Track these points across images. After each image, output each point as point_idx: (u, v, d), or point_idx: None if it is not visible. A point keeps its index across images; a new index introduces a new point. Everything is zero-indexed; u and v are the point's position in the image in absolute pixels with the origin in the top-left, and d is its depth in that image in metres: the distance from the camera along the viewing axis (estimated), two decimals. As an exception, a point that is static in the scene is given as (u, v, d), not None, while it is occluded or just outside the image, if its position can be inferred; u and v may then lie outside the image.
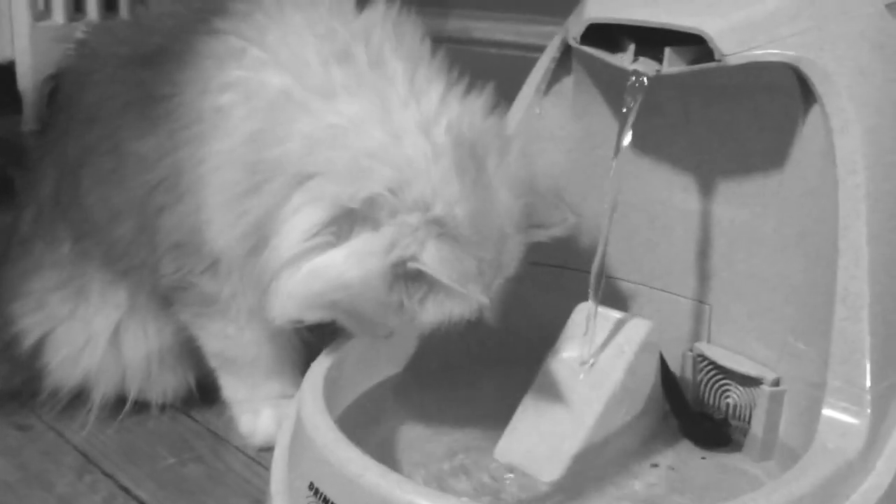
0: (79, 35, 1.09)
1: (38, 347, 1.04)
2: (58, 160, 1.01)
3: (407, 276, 0.78)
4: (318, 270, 0.79)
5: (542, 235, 0.86)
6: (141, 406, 1.05)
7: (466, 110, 0.85)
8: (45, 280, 1.03)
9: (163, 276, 0.94)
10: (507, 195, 0.83)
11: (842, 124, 0.79)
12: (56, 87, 1.91)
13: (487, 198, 0.82)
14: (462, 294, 0.77)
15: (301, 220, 0.80)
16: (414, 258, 0.77)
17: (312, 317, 0.85)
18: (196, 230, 0.89)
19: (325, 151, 0.81)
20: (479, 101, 0.87)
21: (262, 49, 0.88)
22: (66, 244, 1.01)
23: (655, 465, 0.89)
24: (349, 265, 0.78)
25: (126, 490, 0.93)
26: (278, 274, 0.81)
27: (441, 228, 0.78)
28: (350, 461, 0.72)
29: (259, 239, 0.84)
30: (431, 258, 0.77)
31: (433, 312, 0.80)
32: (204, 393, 1.06)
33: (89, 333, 1.01)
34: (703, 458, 0.91)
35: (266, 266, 0.82)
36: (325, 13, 0.89)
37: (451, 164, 0.80)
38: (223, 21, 0.91)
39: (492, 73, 0.90)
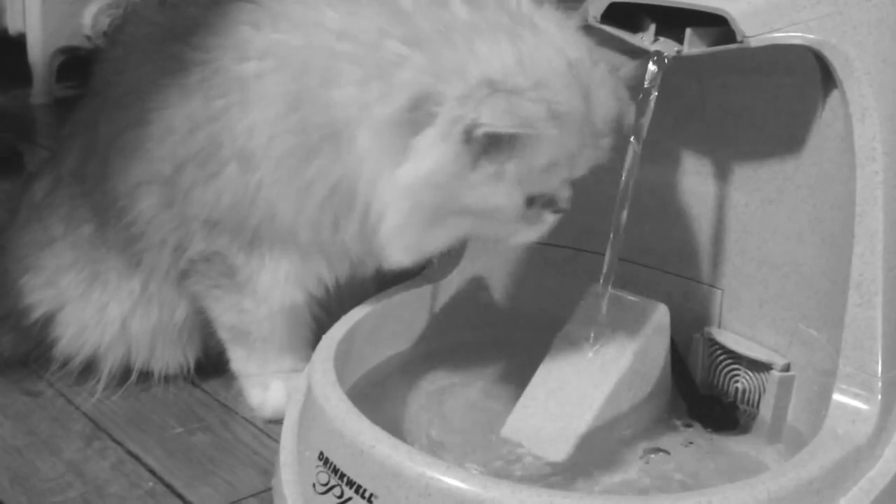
0: (114, 21, 1.09)
1: (47, 322, 1.04)
2: (86, 140, 1.01)
3: (484, 149, 0.76)
4: (403, 184, 0.78)
5: (625, 68, 0.84)
6: (149, 376, 1.06)
7: None
8: (59, 258, 1.03)
9: (187, 250, 0.94)
10: (555, 31, 0.80)
11: (861, 111, 0.79)
12: (65, 62, 1.91)
13: (528, 38, 0.78)
14: (537, 137, 0.75)
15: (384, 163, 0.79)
16: (476, 124, 0.75)
17: (434, 242, 0.82)
18: (238, 206, 0.89)
19: (360, 86, 0.79)
20: None
21: (288, 11, 0.86)
22: (88, 227, 1.01)
23: (663, 447, 0.90)
24: (421, 162, 0.77)
25: (135, 457, 0.93)
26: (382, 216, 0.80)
27: (489, 88, 0.75)
28: (361, 432, 0.73)
29: (340, 204, 0.84)
30: (491, 115, 0.74)
31: (526, 172, 0.77)
32: (200, 369, 1.07)
33: (102, 317, 1.02)
34: (711, 440, 0.91)
35: (369, 223, 0.82)
36: None
37: (472, 27, 0.78)
38: None
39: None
